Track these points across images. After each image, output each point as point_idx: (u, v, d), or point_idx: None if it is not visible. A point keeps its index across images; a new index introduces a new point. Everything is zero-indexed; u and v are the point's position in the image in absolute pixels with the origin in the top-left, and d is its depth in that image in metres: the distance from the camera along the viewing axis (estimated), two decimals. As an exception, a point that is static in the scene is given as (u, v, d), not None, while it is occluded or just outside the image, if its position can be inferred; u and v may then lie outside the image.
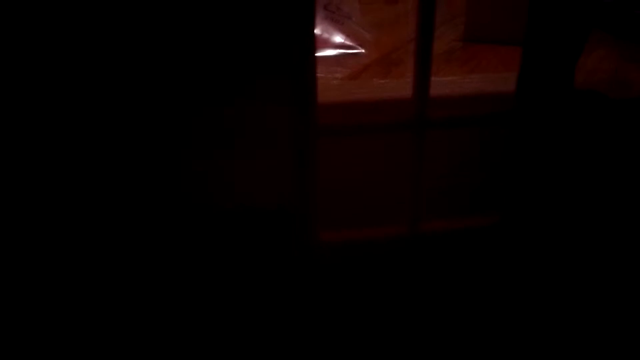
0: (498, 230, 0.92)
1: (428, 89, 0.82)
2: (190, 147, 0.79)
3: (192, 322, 0.88)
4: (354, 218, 0.90)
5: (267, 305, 0.89)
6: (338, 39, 1.11)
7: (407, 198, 0.88)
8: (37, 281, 0.83)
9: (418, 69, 0.81)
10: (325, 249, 0.88)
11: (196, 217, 0.82)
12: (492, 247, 0.92)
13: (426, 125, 0.85)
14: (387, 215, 0.90)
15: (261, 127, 0.79)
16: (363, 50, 1.10)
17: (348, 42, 1.11)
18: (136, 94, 0.75)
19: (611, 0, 1.10)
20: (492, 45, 1.10)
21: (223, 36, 0.74)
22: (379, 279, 0.92)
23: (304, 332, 0.91)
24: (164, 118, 0.77)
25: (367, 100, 0.88)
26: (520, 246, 0.92)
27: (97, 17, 0.71)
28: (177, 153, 0.79)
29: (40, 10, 0.70)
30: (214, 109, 0.77)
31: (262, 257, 0.85)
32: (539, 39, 0.81)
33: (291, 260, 0.86)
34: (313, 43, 0.76)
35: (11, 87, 0.73)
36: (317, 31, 0.93)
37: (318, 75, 0.78)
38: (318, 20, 1.06)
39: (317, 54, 0.79)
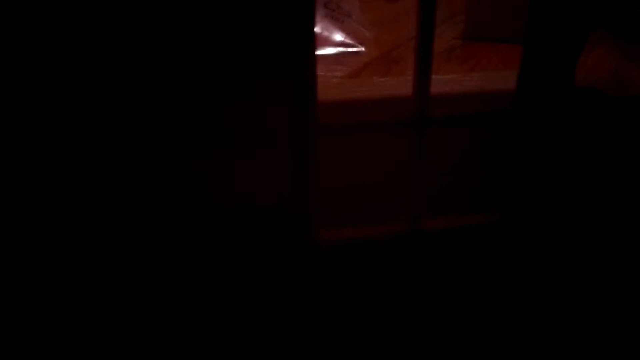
0: (498, 228, 0.92)
1: (428, 87, 0.82)
2: (190, 147, 0.79)
3: (192, 322, 0.88)
4: (354, 216, 0.90)
5: (267, 305, 0.89)
6: (338, 37, 1.11)
7: (407, 196, 0.88)
8: (37, 281, 0.83)
9: (418, 67, 0.81)
10: (325, 247, 0.88)
11: (196, 217, 0.82)
12: (493, 245, 0.93)
13: (426, 123, 0.84)
14: (387, 213, 0.90)
15: (261, 127, 0.79)
16: (363, 49, 1.10)
17: (348, 40, 1.11)
18: (136, 94, 0.75)
19: (611, -2, 1.10)
20: (492, 43, 1.10)
21: (223, 36, 0.74)
22: (379, 277, 0.92)
23: (304, 331, 0.91)
24: (164, 118, 0.77)
25: (367, 98, 0.88)
26: (520, 244, 0.92)
27: (97, 17, 0.71)
28: (177, 153, 0.79)
29: (40, 10, 0.70)
30: (214, 109, 0.77)
31: (262, 257, 0.86)
32: (539, 37, 0.81)
33: (291, 260, 0.86)
34: (313, 42, 0.76)
35: (11, 88, 0.73)
36: (317, 29, 0.93)
37: (318, 73, 0.78)
38: (318, 18, 1.06)
39: (317, 53, 0.79)
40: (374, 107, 0.87)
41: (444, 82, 0.90)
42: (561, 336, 0.96)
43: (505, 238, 0.92)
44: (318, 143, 0.82)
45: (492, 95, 0.89)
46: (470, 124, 0.89)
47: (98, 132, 0.76)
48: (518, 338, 0.96)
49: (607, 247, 0.94)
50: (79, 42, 0.72)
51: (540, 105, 0.85)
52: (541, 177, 0.89)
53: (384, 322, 0.94)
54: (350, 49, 1.10)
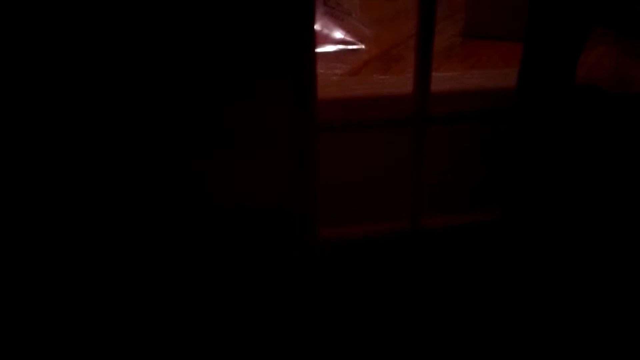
0: (498, 226, 0.92)
1: (429, 84, 0.82)
2: (190, 147, 0.79)
3: (192, 321, 0.88)
4: (355, 214, 0.90)
5: (267, 305, 0.89)
6: (338, 35, 1.11)
7: (407, 194, 0.88)
8: (37, 281, 0.83)
9: (418, 64, 0.81)
10: (325, 245, 0.88)
11: (196, 217, 0.82)
12: (493, 242, 0.93)
13: (426, 121, 0.84)
14: (387, 211, 0.90)
15: (261, 127, 0.79)
16: (363, 46, 1.10)
17: (348, 38, 1.11)
18: (136, 94, 0.75)
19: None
20: (492, 41, 1.10)
21: (223, 35, 0.74)
22: (379, 275, 0.92)
23: (304, 331, 0.91)
24: (164, 118, 0.77)
25: (367, 96, 0.88)
26: (520, 242, 0.92)
27: (98, 17, 0.71)
28: (177, 153, 0.79)
29: (40, 9, 0.70)
30: (214, 109, 0.77)
31: (262, 256, 0.86)
32: (539, 35, 0.81)
33: (291, 260, 0.86)
34: (313, 41, 0.76)
35: (11, 87, 0.73)
36: (316, 27, 0.93)
37: (318, 71, 0.78)
38: (318, 16, 1.06)
39: (317, 50, 0.79)
40: (374, 104, 0.87)
41: (444, 79, 0.90)
42: (561, 334, 0.96)
43: (505, 236, 0.92)
44: (318, 141, 0.82)
45: (493, 92, 0.89)
46: (471, 121, 0.89)
47: (98, 132, 0.76)
48: (518, 336, 0.96)
49: (607, 244, 0.94)
50: (80, 42, 0.72)
51: (540, 103, 0.84)
52: (541, 175, 0.89)
53: (385, 320, 0.94)
54: (350, 47, 1.10)
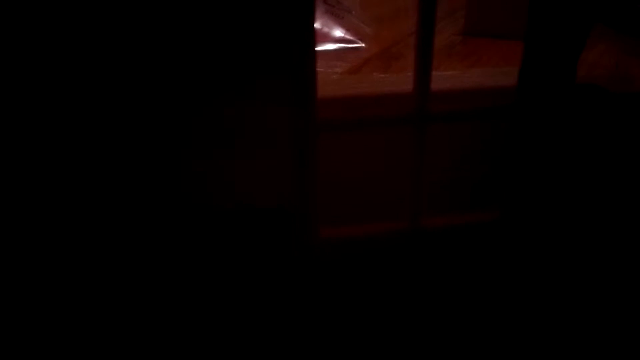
0: (498, 226, 0.92)
1: (429, 83, 0.82)
2: (190, 147, 0.78)
3: (192, 321, 0.88)
4: (355, 213, 0.90)
5: (267, 305, 0.89)
6: (338, 33, 1.11)
7: (407, 193, 0.88)
8: (37, 281, 0.83)
9: (419, 63, 0.81)
10: (325, 245, 0.88)
11: (196, 217, 0.82)
12: (493, 242, 0.92)
13: (427, 120, 0.84)
14: (387, 211, 0.90)
15: (261, 127, 0.79)
16: (363, 45, 1.10)
17: (348, 36, 1.11)
18: (136, 94, 0.75)
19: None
20: (492, 39, 1.10)
21: (222, 35, 0.74)
22: (379, 275, 0.92)
23: (304, 331, 0.91)
24: (164, 118, 0.77)
25: (368, 94, 0.88)
26: (520, 241, 0.92)
27: (97, 17, 0.71)
28: (177, 153, 0.78)
29: (40, 9, 0.69)
30: (214, 109, 0.77)
31: (262, 256, 0.85)
32: (540, 33, 0.81)
33: (291, 260, 0.86)
34: (313, 41, 0.76)
35: (10, 87, 0.72)
36: (316, 25, 0.92)
37: (318, 69, 0.78)
38: (318, 14, 1.06)
39: (317, 49, 0.79)
40: (374, 103, 0.87)
41: (444, 78, 0.90)
42: (561, 334, 0.96)
43: (506, 235, 0.92)
44: (318, 140, 0.82)
45: (493, 91, 0.89)
46: (471, 120, 0.89)
47: (98, 132, 0.76)
48: (518, 336, 0.96)
49: (607, 243, 0.94)
50: (80, 42, 0.72)
51: (541, 102, 0.84)
52: (542, 174, 0.89)
53: (384, 320, 0.94)
54: (350, 45, 1.10)
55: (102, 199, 0.80)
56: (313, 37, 0.76)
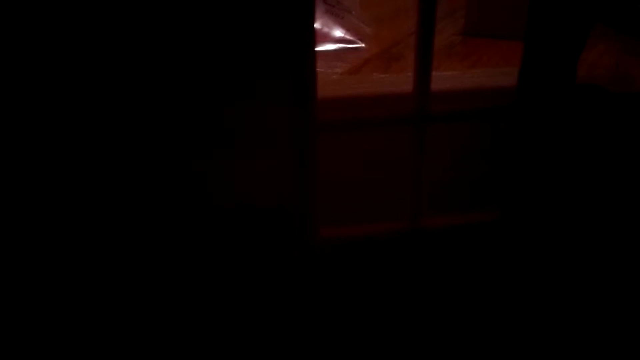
0: (498, 226, 0.92)
1: (429, 83, 0.82)
2: (190, 147, 0.78)
3: (192, 321, 0.88)
4: (354, 213, 0.90)
5: (267, 305, 0.89)
6: (338, 33, 1.11)
7: (407, 193, 0.88)
8: (36, 281, 0.83)
9: (419, 63, 0.81)
10: (325, 245, 0.88)
11: (196, 217, 0.82)
12: (493, 242, 0.92)
13: (427, 120, 0.84)
14: (387, 211, 0.90)
15: (261, 127, 0.79)
16: (363, 45, 1.10)
17: (348, 37, 1.11)
18: (136, 94, 0.75)
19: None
20: (492, 39, 1.10)
21: (222, 35, 0.74)
22: (379, 275, 0.92)
23: (304, 331, 0.91)
24: (164, 118, 0.77)
25: (368, 94, 0.88)
26: (520, 241, 0.92)
27: (97, 17, 0.71)
28: (177, 153, 0.78)
29: (40, 9, 0.69)
30: (214, 109, 0.77)
31: (262, 257, 0.85)
32: (540, 33, 0.81)
33: (291, 260, 0.86)
34: (313, 41, 0.76)
35: (10, 86, 0.72)
36: (316, 25, 0.92)
37: (318, 70, 0.78)
38: (318, 14, 1.06)
39: (317, 49, 0.79)
40: (374, 103, 0.87)
41: (444, 78, 0.90)
42: (561, 334, 0.96)
43: (506, 235, 0.92)
44: (318, 141, 0.82)
45: (493, 91, 0.89)
46: (471, 120, 0.89)
47: (98, 132, 0.76)
48: (518, 336, 0.96)
49: (607, 244, 0.94)
50: (79, 42, 0.72)
51: (541, 102, 0.84)
52: (541, 174, 0.89)
53: (384, 321, 0.94)
54: (350, 45, 1.10)
55: (102, 199, 0.80)
56: (313, 37, 0.76)
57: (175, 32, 0.73)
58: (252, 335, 0.90)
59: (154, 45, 0.73)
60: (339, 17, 1.13)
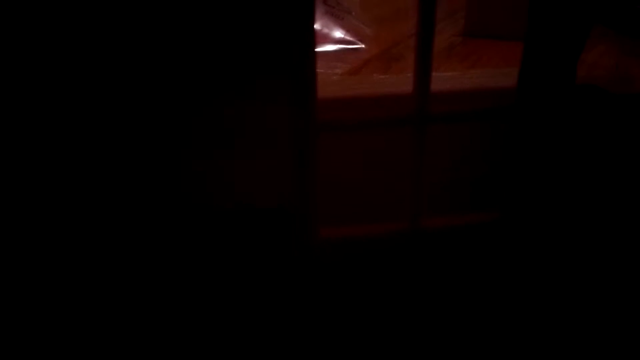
0: (498, 227, 0.92)
1: (429, 84, 0.82)
2: (190, 147, 0.78)
3: (192, 321, 0.88)
4: (355, 214, 0.90)
5: (267, 305, 0.89)
6: (338, 34, 1.11)
7: (407, 194, 0.88)
8: (36, 281, 0.83)
9: (419, 64, 0.81)
10: (325, 246, 0.88)
11: (196, 217, 0.82)
12: (493, 243, 0.92)
13: (427, 121, 0.84)
14: (387, 211, 0.90)
15: (261, 127, 0.79)
16: (363, 46, 1.10)
17: (348, 37, 1.11)
18: (136, 94, 0.75)
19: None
20: (492, 40, 1.10)
21: (222, 35, 0.74)
22: (379, 276, 0.92)
23: (304, 331, 0.91)
24: (164, 118, 0.77)
25: (368, 95, 0.88)
26: (520, 242, 0.92)
27: (96, 16, 0.71)
28: (177, 153, 0.79)
29: (40, 9, 0.69)
30: (214, 109, 0.77)
31: (262, 257, 0.85)
32: (540, 34, 0.81)
33: (291, 260, 0.86)
34: (313, 41, 0.76)
35: (10, 87, 0.73)
36: (316, 26, 0.92)
37: (318, 70, 0.78)
38: (318, 15, 1.06)
39: (317, 50, 0.79)
40: (374, 104, 0.87)
41: (444, 79, 0.90)
42: (561, 335, 0.96)
43: (506, 236, 0.92)
44: (318, 141, 0.82)
45: (493, 92, 0.89)
46: (471, 120, 0.89)
47: (98, 132, 0.76)
48: (518, 337, 0.96)
49: (607, 245, 0.94)
50: (79, 42, 0.72)
51: (541, 103, 0.84)
52: (541, 175, 0.89)
53: (384, 321, 0.94)
54: (350, 46, 1.10)
55: (102, 199, 0.80)
56: (313, 37, 0.76)
57: (175, 32, 0.73)
58: (252, 335, 0.90)
59: (154, 45, 0.73)
60: (339, 18, 1.13)
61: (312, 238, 0.87)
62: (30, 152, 0.76)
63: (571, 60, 0.83)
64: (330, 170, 0.85)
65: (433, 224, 0.91)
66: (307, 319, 0.91)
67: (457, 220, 0.91)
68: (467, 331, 0.96)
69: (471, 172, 0.92)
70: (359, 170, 0.89)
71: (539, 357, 0.96)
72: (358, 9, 1.17)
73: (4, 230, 0.79)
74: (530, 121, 0.86)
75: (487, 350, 0.96)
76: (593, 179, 0.91)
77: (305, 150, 0.81)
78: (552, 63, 0.82)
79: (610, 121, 0.89)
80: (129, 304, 0.86)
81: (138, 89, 0.75)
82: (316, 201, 0.84)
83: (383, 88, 0.90)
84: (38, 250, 0.81)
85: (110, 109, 0.75)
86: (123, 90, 0.75)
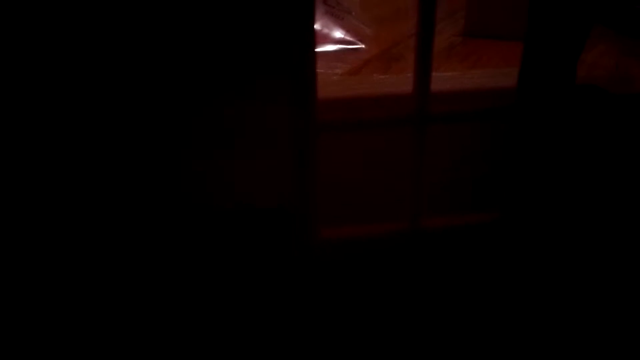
0: (498, 227, 0.92)
1: (429, 84, 0.82)
2: (190, 147, 0.78)
3: (192, 322, 0.88)
4: (355, 214, 0.90)
5: (267, 305, 0.89)
6: (338, 34, 1.11)
7: (407, 194, 0.88)
8: (36, 281, 0.83)
9: (419, 64, 0.81)
10: (325, 246, 0.88)
11: (196, 217, 0.82)
12: (493, 243, 0.92)
13: (427, 121, 0.84)
14: (387, 211, 0.90)
15: (261, 127, 0.79)
16: (363, 46, 1.10)
17: (348, 38, 1.11)
18: (136, 94, 0.75)
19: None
20: (492, 40, 1.10)
21: (222, 35, 0.74)
22: (379, 276, 0.92)
23: (304, 331, 0.91)
24: (164, 119, 0.77)
25: (368, 95, 0.88)
26: (520, 242, 0.92)
27: (96, 16, 0.71)
28: (177, 153, 0.79)
29: (39, 8, 0.69)
30: (214, 109, 0.77)
31: (262, 257, 0.85)
32: (540, 34, 0.81)
33: (291, 260, 0.86)
34: (313, 41, 0.76)
35: (9, 87, 0.73)
36: (316, 26, 0.93)
37: (318, 70, 0.78)
38: (318, 15, 1.06)
39: (317, 50, 0.79)
40: (374, 104, 0.87)
41: (444, 79, 0.90)
42: (561, 335, 0.96)
43: (506, 236, 0.92)
44: (318, 141, 0.82)
45: (493, 92, 0.89)
46: (471, 121, 0.89)
47: (98, 132, 0.76)
48: (518, 337, 0.96)
49: (607, 245, 0.94)
50: (78, 42, 0.72)
51: (541, 103, 0.84)
52: (542, 175, 0.89)
53: (385, 321, 0.94)
54: (350, 46, 1.10)
55: (102, 199, 0.80)
56: (313, 38, 0.76)
57: (175, 32, 0.73)
58: (252, 335, 0.90)
59: (154, 45, 0.73)
60: (339, 18, 1.13)
61: (312, 238, 0.87)
62: (31, 152, 0.76)
63: (571, 60, 0.83)
64: (330, 170, 0.85)
65: (433, 224, 0.91)
66: (307, 318, 0.91)
67: (457, 220, 0.91)
68: (467, 331, 0.96)
69: (471, 172, 0.92)
70: (359, 170, 0.89)
71: (539, 357, 0.96)
72: (358, 9, 1.17)
73: (4, 231, 0.79)
74: (530, 121, 0.86)
75: (487, 350, 0.96)
76: (593, 179, 0.91)
77: (305, 150, 0.81)
78: (552, 63, 0.82)
79: (610, 121, 0.89)
80: (129, 304, 0.86)
81: (138, 89, 0.75)
82: (316, 201, 0.84)
83: (383, 88, 0.90)
84: (38, 250, 0.81)
85: (110, 109, 0.75)
86: (123, 91, 0.75)
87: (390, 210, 0.90)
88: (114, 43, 0.72)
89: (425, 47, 0.80)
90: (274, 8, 0.73)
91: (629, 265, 0.95)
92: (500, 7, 1.09)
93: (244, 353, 0.91)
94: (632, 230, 0.94)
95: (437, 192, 0.90)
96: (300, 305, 0.90)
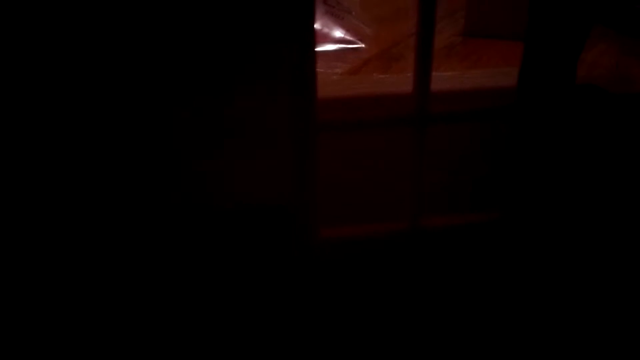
0: (498, 226, 0.92)
1: (429, 83, 0.82)
2: (190, 147, 0.78)
3: (192, 321, 0.88)
4: (355, 214, 0.90)
5: (267, 304, 0.89)
6: (338, 33, 1.11)
7: (407, 193, 0.88)
8: (36, 281, 0.83)
9: (419, 63, 0.81)
10: (325, 245, 0.88)
11: (196, 217, 0.82)
12: (493, 243, 0.92)
13: (427, 120, 0.84)
14: (387, 211, 0.90)
15: (261, 127, 0.79)
16: (363, 45, 1.10)
17: (348, 37, 1.11)
18: (135, 94, 0.75)
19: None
20: (492, 40, 1.10)
21: (222, 35, 0.74)
22: (379, 276, 0.92)
23: (304, 331, 0.91)
24: (164, 118, 0.77)
25: (368, 95, 0.88)
26: (520, 242, 0.92)
27: (95, 15, 0.71)
28: (177, 153, 0.79)
29: (39, 8, 0.69)
30: (214, 108, 0.77)
31: (262, 256, 0.85)
32: (540, 34, 0.81)
33: (291, 259, 0.86)
34: (313, 41, 0.76)
35: (9, 87, 0.72)
36: (316, 26, 0.92)
37: (318, 70, 0.78)
38: (318, 15, 1.06)
39: (317, 49, 0.79)
40: (374, 104, 0.87)
41: (444, 79, 0.90)
42: (561, 334, 0.96)
43: (506, 236, 0.92)
44: (318, 140, 0.82)
45: (493, 92, 0.89)
46: (471, 120, 0.89)
47: (97, 132, 0.76)
48: (518, 337, 0.96)
49: (607, 245, 0.94)
50: (78, 41, 0.71)
51: (540, 102, 0.84)
52: (542, 174, 0.89)
53: (385, 321, 0.94)
54: (350, 46, 1.10)
55: (102, 199, 0.80)
56: (313, 37, 0.76)
57: (175, 32, 0.73)
58: (252, 335, 0.90)
59: (154, 45, 0.73)
60: (339, 17, 1.13)
61: (312, 238, 0.87)
62: (30, 152, 0.76)
63: (571, 60, 0.83)
64: (331, 170, 0.85)
65: (433, 223, 0.91)
66: (307, 318, 0.91)
67: (457, 220, 0.91)
68: (467, 331, 0.96)
69: (471, 172, 0.92)
70: (359, 169, 0.89)
71: (539, 356, 0.96)
72: (358, 8, 1.17)
73: (4, 231, 0.79)
74: (530, 121, 0.86)
75: (487, 349, 0.96)
76: (593, 178, 0.91)
77: (305, 150, 0.81)
78: (552, 63, 0.82)
79: (610, 121, 0.89)
80: (130, 304, 0.86)
81: (138, 89, 0.75)
82: (316, 201, 0.84)
83: (383, 88, 0.90)
84: (38, 250, 0.81)
85: (110, 109, 0.75)
86: (123, 91, 0.75)
87: (390, 210, 0.90)
88: (113, 43, 0.72)
89: (425, 46, 0.80)
90: (274, 8, 0.73)
91: (629, 265, 0.95)
92: (500, 7, 1.09)
93: (244, 353, 0.91)
94: (632, 230, 0.94)
95: (437, 192, 0.90)
96: (301, 304, 0.90)
